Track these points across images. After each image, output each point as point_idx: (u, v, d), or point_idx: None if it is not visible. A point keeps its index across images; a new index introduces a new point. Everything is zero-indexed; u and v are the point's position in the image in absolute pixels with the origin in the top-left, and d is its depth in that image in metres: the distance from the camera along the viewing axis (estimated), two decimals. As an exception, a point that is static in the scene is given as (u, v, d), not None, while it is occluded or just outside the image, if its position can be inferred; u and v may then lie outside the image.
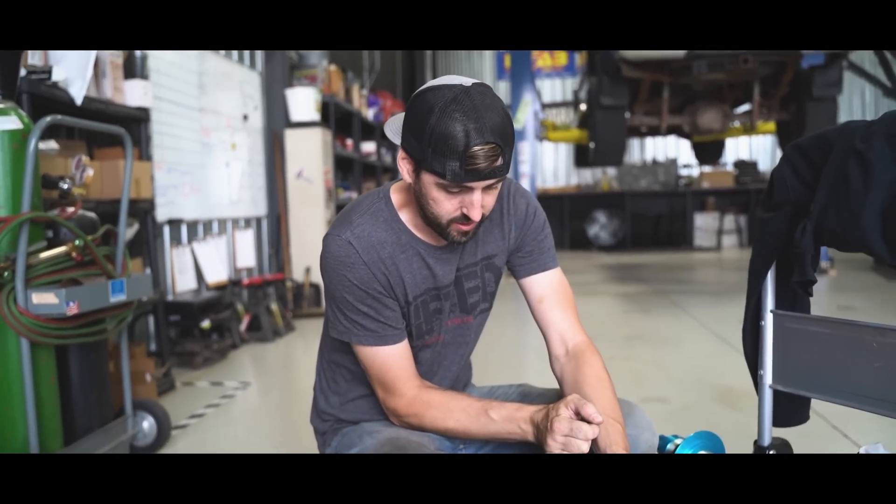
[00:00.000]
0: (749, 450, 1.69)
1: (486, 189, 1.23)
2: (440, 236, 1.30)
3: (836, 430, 2.79)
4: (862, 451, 1.22)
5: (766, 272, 1.53)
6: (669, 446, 1.43)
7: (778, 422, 1.58)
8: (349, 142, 7.66)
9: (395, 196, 1.38)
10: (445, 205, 1.23)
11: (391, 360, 1.33)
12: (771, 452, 1.55)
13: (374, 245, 1.32)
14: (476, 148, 1.14)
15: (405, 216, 1.36)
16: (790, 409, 1.59)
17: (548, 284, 1.48)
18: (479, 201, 1.22)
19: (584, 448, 1.12)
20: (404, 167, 1.27)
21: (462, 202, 1.22)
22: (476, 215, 1.22)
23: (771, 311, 1.54)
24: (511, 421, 1.23)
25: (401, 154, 1.27)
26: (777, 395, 1.56)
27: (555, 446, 1.13)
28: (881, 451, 1.22)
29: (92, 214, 2.53)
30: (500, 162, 1.18)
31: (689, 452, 1.41)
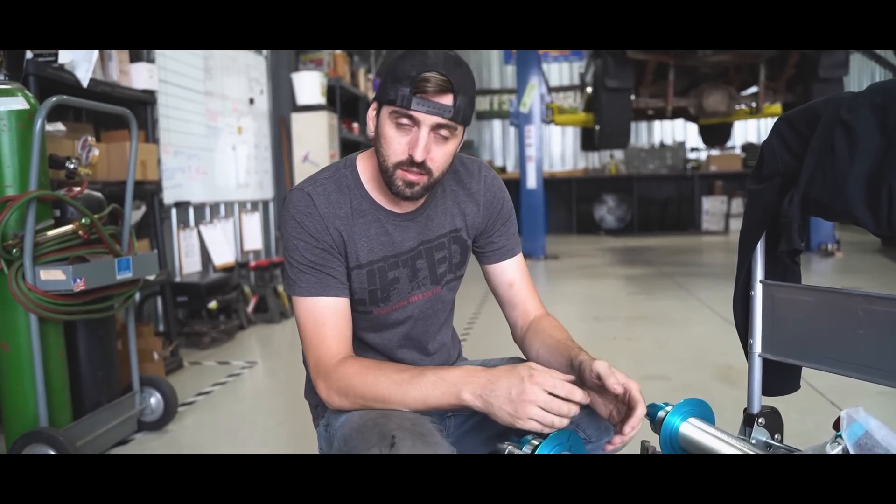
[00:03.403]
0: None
1: (436, 139, 1.27)
2: (387, 187, 1.33)
3: (833, 405, 2.82)
4: (843, 414, 1.25)
5: (755, 243, 1.56)
6: (660, 413, 1.46)
7: (769, 391, 1.61)
8: (355, 125, 7.68)
9: (361, 164, 1.42)
10: (394, 143, 1.28)
11: (329, 312, 1.33)
12: (760, 420, 1.58)
13: (333, 203, 1.36)
14: (427, 73, 1.22)
15: (368, 184, 1.40)
16: (781, 379, 1.61)
17: (516, 269, 1.55)
18: (425, 140, 1.26)
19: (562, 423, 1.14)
20: (370, 117, 1.34)
21: (409, 142, 1.27)
22: (418, 154, 1.26)
23: (760, 282, 1.56)
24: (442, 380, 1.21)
25: (371, 108, 1.33)
26: (768, 364, 1.59)
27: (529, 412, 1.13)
28: (861, 414, 1.24)
29: (98, 194, 2.57)
30: (449, 100, 1.24)
31: (679, 418, 1.45)
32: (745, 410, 1.64)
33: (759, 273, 1.57)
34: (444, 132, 1.28)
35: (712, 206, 13.13)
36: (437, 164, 1.30)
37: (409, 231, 1.42)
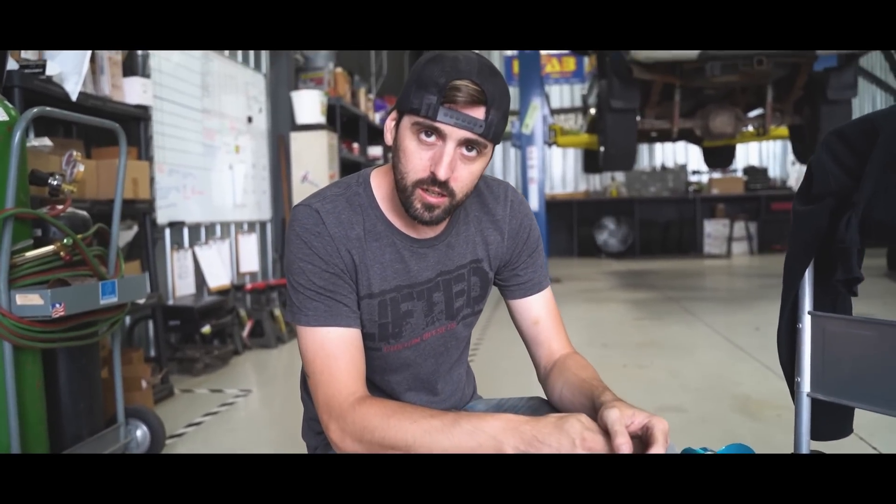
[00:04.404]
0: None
1: (463, 157, 1.13)
2: (404, 208, 1.17)
3: (863, 442, 2.65)
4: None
5: (803, 270, 1.40)
6: (699, 460, 1.30)
7: (817, 434, 1.45)
8: (355, 146, 7.56)
9: (375, 181, 1.27)
10: (415, 159, 1.13)
11: (342, 345, 1.17)
12: (809, 467, 1.42)
13: (344, 223, 1.20)
14: (458, 82, 1.07)
15: (383, 204, 1.25)
16: (831, 421, 1.46)
17: (543, 306, 1.39)
18: (451, 156, 1.11)
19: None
20: (388, 127, 1.19)
21: (432, 157, 1.12)
22: (442, 172, 1.10)
23: (809, 313, 1.41)
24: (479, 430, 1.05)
25: (392, 115, 1.18)
26: (816, 405, 1.43)
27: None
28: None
29: (83, 213, 2.42)
30: (481, 113, 1.09)
31: (722, 468, 1.28)
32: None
33: (808, 303, 1.41)
34: (471, 149, 1.12)
35: (714, 230, 13.03)
36: (461, 186, 1.14)
37: (428, 260, 1.26)
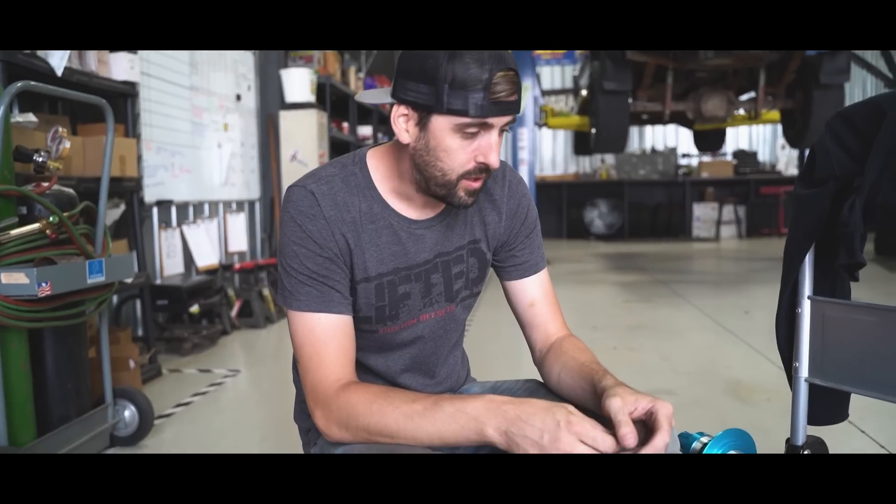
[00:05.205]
0: (776, 448, 1.56)
1: (500, 135, 1.14)
2: (444, 200, 1.16)
3: (853, 426, 2.66)
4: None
5: (804, 254, 1.39)
6: (696, 444, 1.29)
7: (813, 419, 1.44)
8: (345, 125, 7.49)
9: (372, 162, 1.24)
10: (459, 155, 1.11)
11: (331, 331, 1.15)
12: (805, 452, 1.41)
13: (340, 205, 1.18)
14: (500, 74, 1.06)
15: (381, 185, 1.22)
16: (827, 406, 1.45)
17: (539, 287, 1.37)
18: (498, 144, 1.12)
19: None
20: (402, 125, 1.14)
21: (478, 148, 1.11)
22: (495, 160, 1.12)
23: (808, 298, 1.39)
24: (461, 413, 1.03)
25: (398, 111, 1.13)
26: (812, 390, 1.43)
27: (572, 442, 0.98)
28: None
29: (70, 190, 2.37)
30: (517, 96, 1.11)
31: (719, 452, 1.27)
32: (787, 441, 1.47)
33: (808, 288, 1.40)
34: (506, 128, 1.13)
35: (703, 213, 13.07)
36: (497, 163, 1.15)
37: (425, 241, 1.24)
